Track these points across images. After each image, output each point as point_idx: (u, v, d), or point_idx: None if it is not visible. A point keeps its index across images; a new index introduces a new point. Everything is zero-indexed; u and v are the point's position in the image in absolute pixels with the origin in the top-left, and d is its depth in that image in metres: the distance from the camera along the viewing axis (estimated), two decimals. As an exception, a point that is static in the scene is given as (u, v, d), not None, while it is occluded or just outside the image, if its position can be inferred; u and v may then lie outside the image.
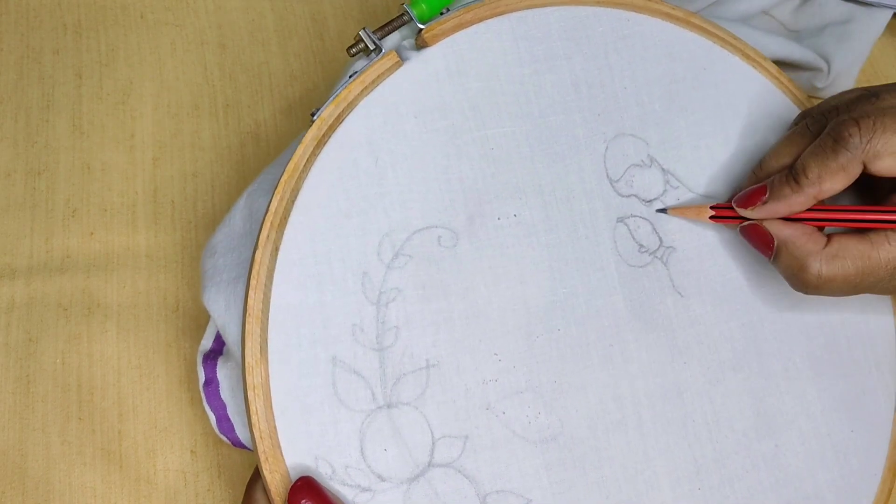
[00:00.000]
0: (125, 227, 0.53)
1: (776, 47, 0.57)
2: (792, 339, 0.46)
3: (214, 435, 0.48)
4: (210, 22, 0.60)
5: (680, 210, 0.46)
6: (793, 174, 0.42)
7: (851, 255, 0.41)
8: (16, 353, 0.49)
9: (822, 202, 0.42)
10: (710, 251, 0.46)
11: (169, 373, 0.50)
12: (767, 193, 0.42)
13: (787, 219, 0.43)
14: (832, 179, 0.41)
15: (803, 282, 0.42)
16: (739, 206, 0.43)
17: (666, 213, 0.46)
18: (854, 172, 0.41)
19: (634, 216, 0.45)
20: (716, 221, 0.45)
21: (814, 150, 0.41)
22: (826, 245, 0.41)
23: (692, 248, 0.46)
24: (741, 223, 0.44)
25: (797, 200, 0.42)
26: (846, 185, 0.41)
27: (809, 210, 0.42)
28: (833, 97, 0.45)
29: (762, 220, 0.43)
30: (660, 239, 0.45)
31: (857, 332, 0.48)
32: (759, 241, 0.43)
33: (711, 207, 0.45)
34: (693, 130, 0.47)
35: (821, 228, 0.43)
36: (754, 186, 0.43)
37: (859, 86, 0.63)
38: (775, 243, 0.42)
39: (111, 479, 0.47)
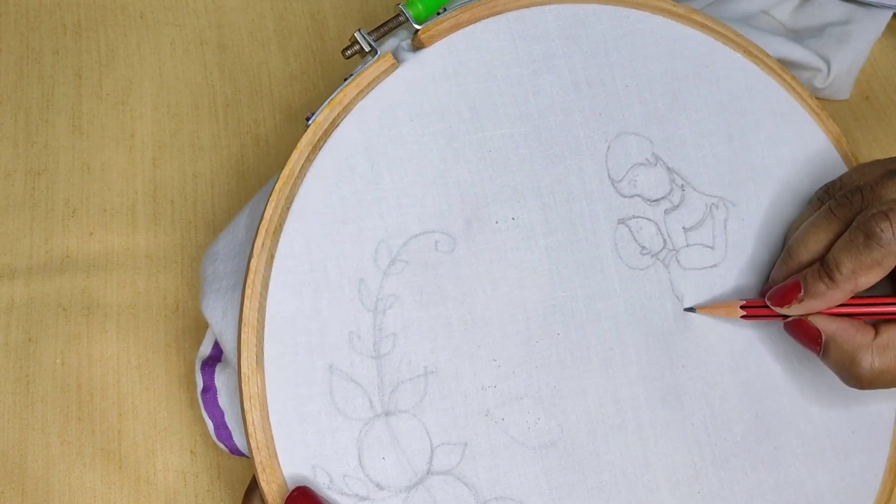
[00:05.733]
0: (125, 227, 0.53)
1: (776, 47, 0.57)
2: (789, 339, 0.46)
3: (214, 436, 0.49)
4: (210, 22, 0.60)
5: (709, 309, 0.45)
6: (826, 269, 0.41)
7: None
8: (15, 353, 0.49)
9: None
10: (710, 253, 0.46)
11: (169, 373, 0.50)
12: (802, 291, 0.41)
13: (832, 313, 0.42)
14: (867, 275, 0.40)
15: (856, 377, 0.41)
16: (775, 305, 0.42)
17: (694, 311, 0.45)
18: (889, 265, 0.40)
19: (637, 217, 0.45)
20: (748, 319, 0.44)
21: (845, 246, 0.40)
22: (875, 336, 0.40)
23: (693, 250, 0.45)
24: (780, 319, 0.43)
25: (833, 297, 0.41)
26: (881, 278, 0.40)
27: (853, 304, 0.41)
28: (855, 172, 0.44)
29: (800, 316, 0.42)
30: (664, 241, 0.45)
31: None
32: (806, 337, 0.42)
33: (742, 307, 0.44)
34: (696, 128, 0.47)
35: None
36: (787, 283, 0.42)
37: (859, 87, 0.63)
38: (823, 339, 0.41)
39: (111, 479, 0.48)
